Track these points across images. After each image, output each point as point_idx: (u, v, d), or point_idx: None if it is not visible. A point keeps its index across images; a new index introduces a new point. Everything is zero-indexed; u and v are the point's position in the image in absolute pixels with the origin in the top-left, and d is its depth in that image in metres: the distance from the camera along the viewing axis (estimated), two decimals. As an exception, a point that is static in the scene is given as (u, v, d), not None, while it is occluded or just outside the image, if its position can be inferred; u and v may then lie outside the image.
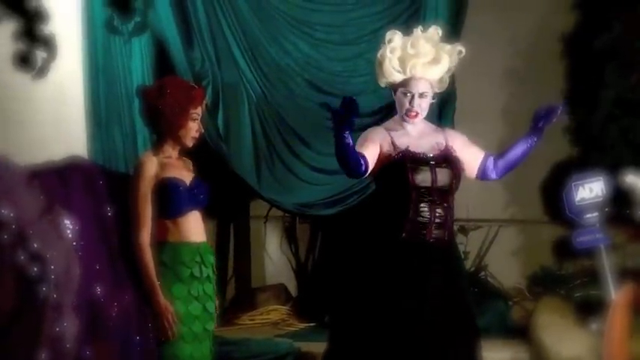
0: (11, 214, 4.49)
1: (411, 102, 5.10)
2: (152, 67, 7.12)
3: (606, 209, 5.37)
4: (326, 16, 7.65)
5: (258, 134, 7.61)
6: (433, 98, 5.24)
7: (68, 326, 4.61)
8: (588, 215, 6.09)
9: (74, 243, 4.79)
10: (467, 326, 5.06)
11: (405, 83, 5.12)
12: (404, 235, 4.96)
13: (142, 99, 5.08)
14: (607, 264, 6.08)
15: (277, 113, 7.68)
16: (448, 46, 5.24)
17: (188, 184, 5.00)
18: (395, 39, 5.16)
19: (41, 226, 4.61)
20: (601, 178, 6.12)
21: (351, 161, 4.91)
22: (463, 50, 5.28)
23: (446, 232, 5.07)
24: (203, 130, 5.12)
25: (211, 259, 5.07)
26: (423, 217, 4.99)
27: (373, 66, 7.75)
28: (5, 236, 4.45)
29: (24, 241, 4.47)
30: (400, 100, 5.15)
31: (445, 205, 5.07)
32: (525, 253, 8.52)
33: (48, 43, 4.40)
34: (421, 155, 5.09)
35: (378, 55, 5.19)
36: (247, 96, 7.60)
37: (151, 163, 4.95)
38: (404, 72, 5.12)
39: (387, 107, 7.79)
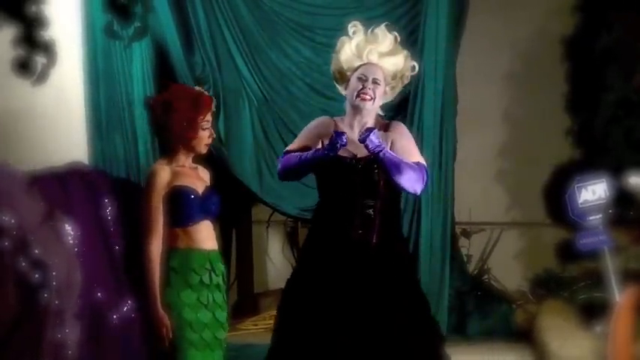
0: (12, 221, 4.49)
1: (364, 84, 5.11)
2: (153, 72, 7.09)
3: (609, 211, 5.35)
4: (327, 20, 7.61)
5: (259, 138, 7.58)
6: (392, 100, 5.44)
7: (70, 332, 4.61)
8: (591, 217, 6.08)
9: (75, 249, 4.80)
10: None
11: (359, 68, 5.23)
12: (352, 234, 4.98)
13: (151, 110, 5.07)
14: (611, 266, 6.07)
15: (278, 117, 7.65)
16: (405, 51, 5.39)
17: (200, 193, 4.98)
18: (356, 28, 5.29)
19: (42, 232, 4.61)
20: (604, 180, 6.11)
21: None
22: (417, 66, 5.43)
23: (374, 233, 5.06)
24: (215, 135, 5.10)
25: (222, 267, 5.05)
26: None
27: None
28: (6, 243, 4.45)
29: (25, 248, 4.48)
30: (353, 85, 5.24)
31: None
32: (528, 255, 8.50)
33: (48, 49, 4.39)
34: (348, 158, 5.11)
35: (337, 42, 5.36)
36: (248, 100, 7.58)
37: (164, 172, 4.92)
38: (360, 57, 5.24)
39: (387, 110, 7.75)
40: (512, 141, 8.57)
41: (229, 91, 7.50)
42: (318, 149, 5.10)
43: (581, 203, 6.16)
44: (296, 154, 5.18)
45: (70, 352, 4.60)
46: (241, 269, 8.71)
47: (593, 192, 6.11)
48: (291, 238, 8.97)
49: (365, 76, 5.19)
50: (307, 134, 5.32)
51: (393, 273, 5.11)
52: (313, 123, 5.39)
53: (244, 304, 8.63)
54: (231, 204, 8.13)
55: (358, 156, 5.12)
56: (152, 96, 5.82)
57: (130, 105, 6.90)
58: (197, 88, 5.28)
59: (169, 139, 4.99)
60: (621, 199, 5.02)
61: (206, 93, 5.13)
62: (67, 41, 6.43)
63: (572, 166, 7.59)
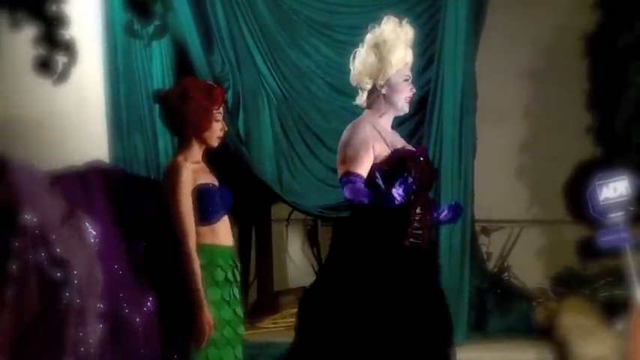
0: (34, 220, 4.49)
1: (411, 87, 5.07)
2: (172, 70, 7.12)
3: (630, 208, 5.32)
4: (346, 18, 7.61)
5: (279, 137, 7.59)
6: (413, 97, 5.27)
7: (91, 331, 4.61)
8: (612, 215, 6.05)
9: (96, 248, 4.80)
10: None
11: (403, 69, 5.10)
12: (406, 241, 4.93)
13: (163, 104, 5.05)
14: (632, 264, 6.04)
15: (298, 116, 7.66)
16: None
17: (218, 190, 5.00)
18: (391, 24, 5.12)
19: (63, 230, 4.61)
20: (625, 177, 6.07)
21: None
22: None
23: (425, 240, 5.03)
24: (227, 128, 5.09)
25: (239, 264, 5.06)
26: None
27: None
28: (28, 241, 4.46)
29: (47, 246, 4.48)
30: (401, 87, 5.09)
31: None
32: (548, 253, 8.48)
33: (68, 48, 4.41)
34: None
35: (380, 41, 5.08)
36: (268, 99, 7.59)
37: (187, 170, 4.91)
38: (406, 57, 5.12)
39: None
40: (532, 138, 8.55)
41: (249, 90, 7.51)
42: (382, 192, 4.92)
43: (602, 200, 6.13)
44: (364, 188, 4.98)
45: (91, 350, 4.59)
46: (261, 268, 8.71)
47: (615, 189, 6.07)
48: (310, 236, 8.97)
49: (408, 76, 5.11)
50: (365, 154, 5.01)
51: (438, 277, 5.17)
52: (359, 137, 5.08)
53: (264, 303, 8.63)
54: (251, 202, 8.16)
55: (396, 147, 5.07)
56: (162, 90, 5.79)
57: (150, 104, 6.91)
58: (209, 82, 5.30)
59: (183, 131, 4.98)
60: (642, 196, 5.01)
61: (217, 85, 5.15)
62: (88, 40, 6.45)
63: (593, 163, 7.55)
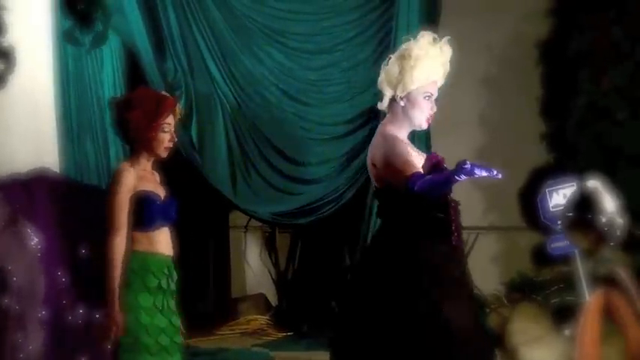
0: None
1: (432, 105, 5.01)
2: (124, 78, 7.09)
3: (569, 214, 5.35)
4: (300, 25, 7.65)
5: (232, 144, 7.61)
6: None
7: (32, 337, 4.61)
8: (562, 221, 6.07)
9: (39, 254, 4.80)
10: None
11: (427, 86, 4.93)
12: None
13: (114, 110, 5.07)
14: (581, 270, 6.06)
15: (252, 123, 7.68)
16: None
17: (162, 199, 5.00)
18: (423, 40, 5.04)
19: (4, 237, 4.61)
20: (574, 183, 6.09)
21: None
22: None
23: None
24: (176, 140, 5.08)
25: (176, 274, 5.06)
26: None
27: (347, 74, 7.85)
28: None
29: (-16, 253, 4.48)
30: (420, 104, 4.93)
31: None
32: (504, 259, 8.51)
33: (6, 56, 4.41)
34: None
35: (406, 54, 4.91)
36: (221, 106, 7.60)
37: (129, 174, 4.92)
38: (432, 76, 4.95)
39: (360, 116, 7.83)
40: (488, 145, 8.57)
41: (202, 97, 7.52)
42: (451, 175, 4.89)
43: (552, 207, 6.16)
44: (431, 178, 4.95)
45: (32, 356, 4.59)
46: (218, 274, 8.72)
47: (564, 196, 6.09)
48: (268, 243, 8.99)
49: (431, 94, 4.94)
50: (410, 155, 4.88)
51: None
52: (398, 140, 4.91)
53: (222, 310, 8.64)
54: (208, 210, 8.18)
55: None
56: (114, 97, 5.80)
57: (101, 112, 6.90)
58: (164, 92, 5.27)
59: (130, 139, 4.99)
60: (582, 202, 5.03)
61: (169, 96, 5.13)
62: (39, 47, 6.41)
63: (548, 170, 7.58)
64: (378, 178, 4.94)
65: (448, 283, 4.89)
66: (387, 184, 4.92)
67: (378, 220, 7.34)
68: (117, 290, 4.78)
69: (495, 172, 4.72)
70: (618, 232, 4.50)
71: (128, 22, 7.09)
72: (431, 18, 7.52)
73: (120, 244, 4.83)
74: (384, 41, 7.42)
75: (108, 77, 6.98)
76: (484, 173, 4.67)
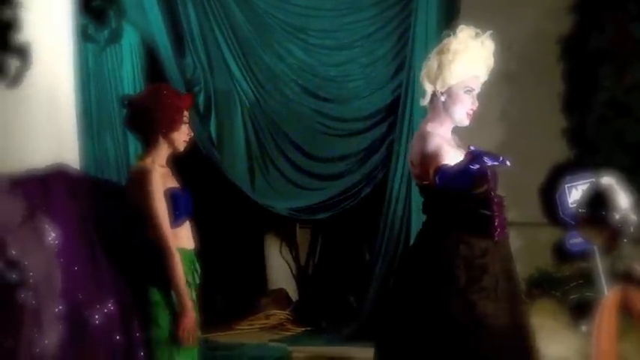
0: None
1: (473, 100, 4.98)
2: (143, 74, 7.13)
3: (582, 211, 5.33)
4: (319, 22, 7.66)
5: (251, 140, 7.63)
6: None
7: (49, 332, 4.63)
8: (581, 217, 6.04)
9: (56, 250, 4.82)
10: None
11: (468, 80, 4.95)
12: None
13: (132, 106, 5.07)
14: (600, 266, 6.04)
15: (270, 119, 7.69)
16: None
17: (183, 194, 5.02)
18: (468, 34, 4.97)
19: (21, 233, 4.63)
20: (594, 179, 6.08)
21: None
22: None
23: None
24: (192, 134, 5.10)
25: (199, 267, 5.08)
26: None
27: (366, 70, 7.84)
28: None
29: (2, 248, 4.50)
30: (461, 98, 4.93)
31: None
32: (525, 255, 8.46)
33: (22, 52, 4.42)
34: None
35: (445, 49, 4.91)
36: (240, 102, 7.62)
37: (157, 174, 4.92)
38: (473, 71, 4.97)
39: (379, 112, 7.82)
40: (508, 141, 8.52)
41: (221, 93, 7.55)
42: (466, 165, 4.87)
43: (571, 203, 6.14)
44: (449, 170, 4.92)
45: (48, 352, 4.61)
46: (239, 269, 8.74)
47: (583, 192, 6.08)
48: (289, 238, 9.00)
49: (472, 89, 4.94)
50: (444, 152, 4.87)
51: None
52: (432, 136, 4.90)
53: (242, 304, 8.67)
54: (227, 205, 8.19)
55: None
56: (127, 95, 5.81)
57: (121, 108, 6.90)
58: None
59: (151, 133, 4.99)
60: (596, 199, 5.02)
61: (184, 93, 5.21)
62: (59, 43, 6.44)
63: (568, 166, 7.56)
64: (417, 175, 4.93)
65: (487, 281, 4.89)
66: (427, 181, 4.89)
67: (397, 215, 7.42)
68: (186, 289, 4.82)
69: (502, 159, 4.73)
70: (632, 229, 4.50)
71: (147, 18, 7.13)
72: (450, 14, 7.50)
73: (179, 262, 4.84)
74: (403, 37, 7.42)
75: (127, 74, 7.02)
76: (490, 161, 4.70)
